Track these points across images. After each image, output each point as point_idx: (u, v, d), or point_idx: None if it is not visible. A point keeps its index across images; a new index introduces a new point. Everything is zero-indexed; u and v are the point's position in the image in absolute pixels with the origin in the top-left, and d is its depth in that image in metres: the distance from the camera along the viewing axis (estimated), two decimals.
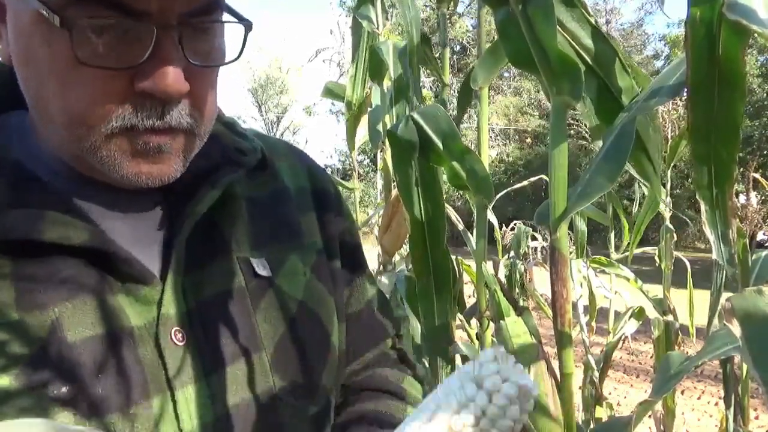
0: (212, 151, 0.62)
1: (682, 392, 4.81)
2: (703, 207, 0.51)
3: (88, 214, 0.54)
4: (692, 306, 2.29)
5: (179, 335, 0.55)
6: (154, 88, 0.50)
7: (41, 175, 0.55)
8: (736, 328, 0.47)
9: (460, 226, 1.73)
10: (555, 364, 0.78)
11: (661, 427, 2.11)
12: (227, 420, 0.56)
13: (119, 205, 0.58)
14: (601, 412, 2.17)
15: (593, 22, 0.64)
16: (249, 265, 0.62)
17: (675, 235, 2.13)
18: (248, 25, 0.57)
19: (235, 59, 0.57)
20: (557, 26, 0.59)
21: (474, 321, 1.75)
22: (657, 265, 2.23)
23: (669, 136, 2.40)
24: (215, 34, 0.55)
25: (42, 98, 0.52)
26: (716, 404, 4.57)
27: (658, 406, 2.10)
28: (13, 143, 0.57)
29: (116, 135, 0.51)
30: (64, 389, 0.48)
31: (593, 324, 2.57)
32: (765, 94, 14.62)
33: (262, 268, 0.62)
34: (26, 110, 0.57)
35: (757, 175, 2.33)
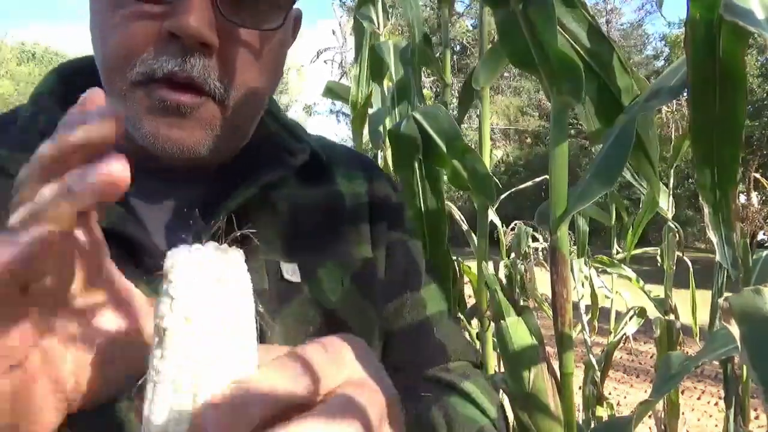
0: (259, 149, 0.61)
1: (683, 392, 4.80)
2: (706, 209, 0.51)
3: (127, 201, 0.54)
4: (695, 306, 2.29)
5: None
6: (175, 26, 0.48)
7: None
8: (734, 328, 0.47)
9: (464, 226, 1.74)
10: (555, 364, 0.79)
11: (662, 427, 2.11)
12: None
13: (156, 194, 0.57)
14: (602, 412, 2.17)
15: (593, 23, 0.64)
16: (277, 268, 0.59)
17: (677, 235, 2.13)
18: None
19: (275, 28, 0.53)
20: (558, 27, 0.59)
21: (474, 321, 1.76)
22: (659, 265, 2.23)
23: (672, 136, 2.40)
24: (262, 3, 0.52)
25: (96, 55, 0.53)
26: (716, 404, 4.57)
27: (659, 406, 2.10)
28: None
29: (138, 86, 0.50)
30: None
31: (595, 324, 2.57)
32: (765, 94, 14.61)
33: (291, 273, 0.60)
34: None
35: (758, 175, 2.33)
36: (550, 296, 0.70)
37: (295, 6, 0.56)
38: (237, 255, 0.33)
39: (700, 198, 0.51)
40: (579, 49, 0.65)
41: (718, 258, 0.52)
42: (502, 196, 2.07)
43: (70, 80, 0.59)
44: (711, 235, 0.51)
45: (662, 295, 2.13)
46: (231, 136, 0.56)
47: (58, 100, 0.56)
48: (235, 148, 0.60)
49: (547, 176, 0.67)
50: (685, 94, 0.54)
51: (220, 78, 0.51)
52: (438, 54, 1.54)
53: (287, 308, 0.60)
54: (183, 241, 0.47)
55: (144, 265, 0.52)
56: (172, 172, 0.57)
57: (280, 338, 0.59)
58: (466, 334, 1.85)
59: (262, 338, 0.58)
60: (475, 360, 0.70)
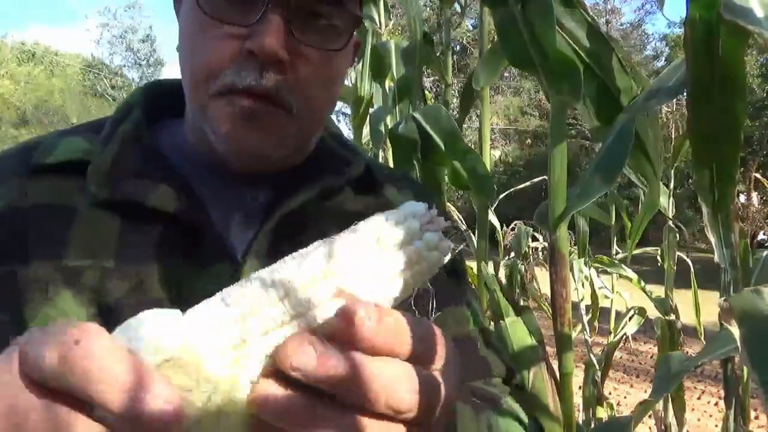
0: (319, 159, 0.67)
1: (683, 392, 4.80)
2: (704, 209, 0.51)
3: (198, 194, 0.60)
4: (698, 306, 2.28)
5: None
6: (254, 46, 0.55)
7: (175, 161, 0.63)
8: (734, 328, 0.47)
9: (463, 227, 1.74)
10: (555, 364, 0.79)
11: (662, 427, 2.11)
12: None
13: (227, 193, 0.63)
14: (602, 412, 2.17)
15: (593, 23, 0.64)
16: None
17: (678, 235, 2.13)
18: (355, 20, 0.61)
19: (339, 49, 0.60)
20: (557, 27, 0.59)
21: None
22: (659, 264, 2.23)
23: (672, 136, 2.40)
24: (328, 23, 0.59)
25: (183, 72, 0.61)
26: (716, 404, 4.57)
27: (659, 406, 2.10)
28: (162, 137, 0.66)
29: (220, 96, 0.57)
30: None
31: (595, 324, 2.57)
32: (765, 94, 14.59)
33: None
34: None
35: (758, 175, 2.33)
36: (550, 296, 0.70)
37: (354, 34, 0.64)
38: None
39: (699, 199, 0.51)
40: (578, 49, 0.65)
41: (716, 259, 0.52)
42: (501, 196, 2.07)
43: (156, 95, 0.69)
44: (709, 235, 0.51)
45: (662, 295, 2.13)
46: (298, 143, 0.63)
47: (143, 110, 0.65)
48: (300, 156, 0.66)
49: (546, 176, 0.67)
50: (685, 93, 0.54)
51: (291, 92, 0.58)
52: (438, 54, 1.54)
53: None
54: (243, 234, 0.57)
55: (207, 255, 0.58)
56: (241, 175, 0.63)
57: None
58: None
59: None
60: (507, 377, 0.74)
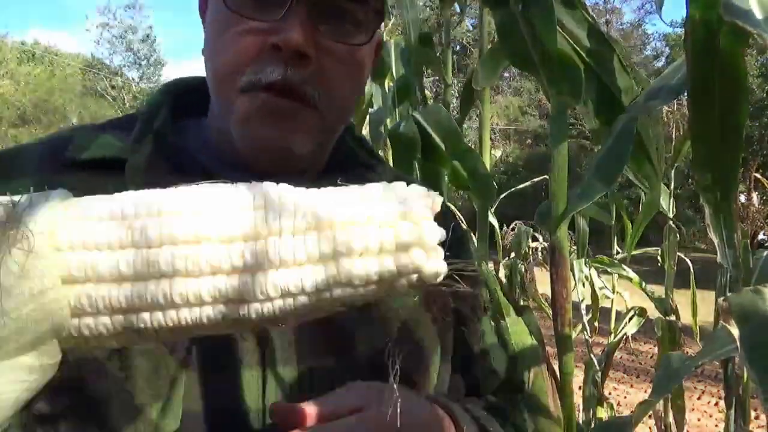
0: (341, 162, 0.68)
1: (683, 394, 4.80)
2: (707, 210, 0.51)
3: None
4: (695, 306, 2.28)
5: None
6: (279, 40, 0.55)
7: (202, 159, 0.63)
8: (733, 328, 0.47)
9: (464, 227, 1.74)
10: (555, 364, 0.79)
11: (662, 427, 2.11)
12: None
13: None
14: (602, 413, 2.17)
15: (593, 23, 0.64)
16: None
17: (678, 235, 2.13)
18: (379, 15, 0.62)
19: (363, 43, 0.61)
20: (557, 27, 0.59)
21: None
22: (659, 264, 2.22)
23: (673, 136, 2.40)
24: (353, 18, 0.60)
25: (209, 68, 0.61)
26: (716, 404, 4.57)
27: (660, 406, 2.10)
28: (188, 137, 0.66)
29: (244, 93, 0.58)
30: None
31: (596, 324, 2.57)
32: (765, 94, 14.59)
33: None
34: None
35: (758, 175, 2.33)
36: (550, 296, 0.70)
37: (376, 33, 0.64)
38: None
39: (701, 198, 0.51)
40: (579, 49, 0.65)
41: (719, 259, 0.52)
42: (502, 196, 2.07)
43: (180, 94, 0.69)
44: (712, 236, 0.51)
45: (663, 295, 2.13)
46: (321, 140, 0.63)
47: (169, 110, 0.65)
48: (322, 154, 0.67)
49: (546, 176, 0.67)
50: (685, 94, 0.54)
51: (315, 87, 0.58)
52: (438, 54, 1.54)
53: (366, 315, 0.62)
54: None
55: None
56: (266, 175, 0.64)
57: (360, 343, 0.62)
58: None
59: (343, 338, 0.62)
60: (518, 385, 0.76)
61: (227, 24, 0.58)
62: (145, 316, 0.36)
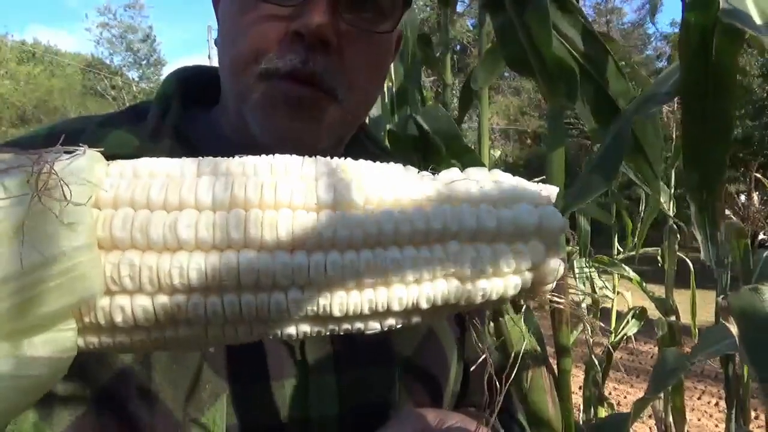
0: (356, 151, 0.65)
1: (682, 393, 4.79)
2: (693, 208, 0.52)
3: None
4: (695, 306, 2.29)
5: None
6: (301, 26, 0.53)
7: (217, 150, 0.63)
8: (733, 326, 0.47)
9: None
10: (553, 363, 0.79)
11: (663, 427, 2.11)
12: (349, 417, 0.56)
13: None
14: (602, 413, 2.17)
15: (588, 27, 0.65)
16: None
17: (678, 235, 2.13)
18: (403, 2, 0.59)
19: (389, 31, 0.58)
20: (553, 31, 0.59)
21: None
22: (660, 265, 2.22)
23: (673, 136, 2.40)
24: (376, 5, 0.57)
25: (222, 57, 0.58)
26: (716, 404, 4.57)
27: (660, 406, 2.10)
28: (199, 129, 0.63)
29: (262, 80, 0.54)
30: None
31: (596, 324, 2.57)
32: (765, 94, 14.58)
33: None
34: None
35: (759, 175, 2.33)
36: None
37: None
38: None
39: (687, 198, 0.52)
40: (575, 53, 0.65)
41: (702, 256, 0.53)
42: None
43: (188, 84, 0.65)
44: (696, 233, 0.52)
45: (663, 295, 2.13)
46: (341, 133, 0.61)
47: (180, 101, 0.62)
48: (341, 147, 0.64)
49: (545, 176, 0.67)
50: None
51: (336, 76, 0.56)
52: (438, 54, 1.54)
53: None
54: None
55: None
56: None
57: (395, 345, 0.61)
58: None
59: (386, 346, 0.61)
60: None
61: (244, 8, 0.55)
62: (214, 299, 0.28)
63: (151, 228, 0.27)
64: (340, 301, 0.30)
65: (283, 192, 0.31)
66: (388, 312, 0.32)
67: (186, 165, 0.31)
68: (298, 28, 0.53)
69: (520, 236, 0.34)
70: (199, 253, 0.28)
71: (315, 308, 0.30)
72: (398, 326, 0.34)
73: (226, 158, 0.33)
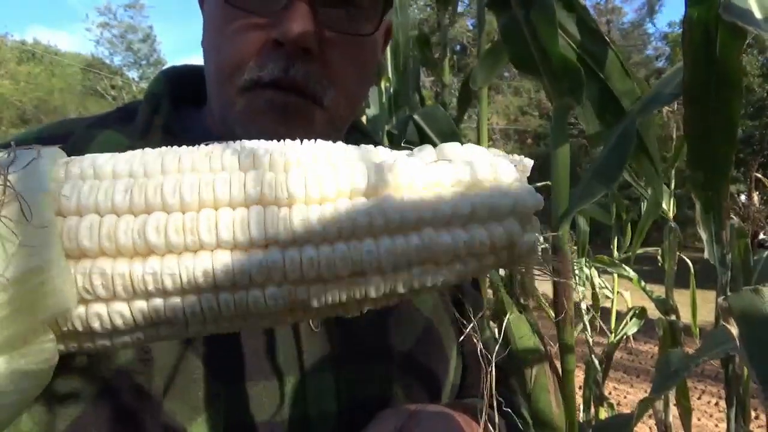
0: None
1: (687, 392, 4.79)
2: (698, 207, 0.52)
3: None
4: (695, 306, 2.28)
5: (316, 321, 0.56)
6: (279, 34, 0.53)
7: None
8: (733, 327, 0.47)
9: None
10: (556, 363, 0.79)
11: (663, 428, 2.11)
12: (347, 414, 0.56)
13: None
14: (602, 413, 2.17)
15: (595, 26, 0.65)
16: None
17: (679, 235, 2.13)
18: (385, 1, 0.59)
19: (370, 33, 0.58)
20: (559, 30, 0.59)
21: None
22: (659, 264, 2.22)
23: (674, 136, 2.40)
24: (356, 7, 0.57)
25: (207, 61, 0.59)
26: (716, 404, 4.57)
27: (660, 406, 2.10)
28: (189, 128, 0.62)
29: (247, 90, 0.55)
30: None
31: (597, 324, 2.57)
32: (765, 94, 14.58)
33: None
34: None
35: (759, 175, 2.33)
36: (551, 296, 0.70)
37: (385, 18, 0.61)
38: None
39: (692, 196, 0.52)
40: (580, 52, 0.65)
41: (706, 255, 0.52)
42: None
43: (177, 83, 0.65)
44: (701, 232, 0.52)
45: (663, 295, 2.13)
46: (329, 136, 0.59)
47: (170, 100, 0.62)
48: None
49: (547, 176, 0.67)
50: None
51: (320, 82, 0.55)
52: (437, 54, 1.54)
53: (396, 313, 0.61)
54: None
55: None
56: None
57: (395, 342, 0.61)
58: None
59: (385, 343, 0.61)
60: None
61: (225, 19, 0.55)
62: (192, 299, 0.27)
63: (119, 234, 0.27)
64: (318, 293, 0.30)
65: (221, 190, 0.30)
66: (366, 299, 0.33)
67: (149, 162, 0.29)
68: (276, 36, 0.53)
69: (496, 218, 0.34)
70: (171, 256, 0.27)
71: (291, 299, 0.30)
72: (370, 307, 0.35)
73: (191, 148, 0.31)
